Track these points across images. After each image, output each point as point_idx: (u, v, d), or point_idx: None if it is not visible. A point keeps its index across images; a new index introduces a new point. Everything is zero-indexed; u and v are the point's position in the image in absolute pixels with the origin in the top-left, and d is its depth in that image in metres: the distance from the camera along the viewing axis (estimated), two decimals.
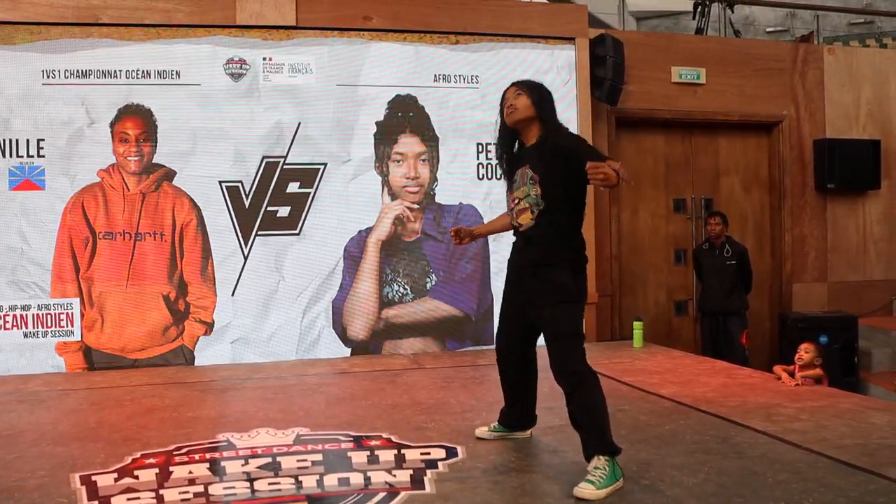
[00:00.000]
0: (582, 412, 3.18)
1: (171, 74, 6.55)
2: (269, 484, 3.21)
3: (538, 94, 3.52)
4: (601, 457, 3.03)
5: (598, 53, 7.19)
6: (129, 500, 3.06)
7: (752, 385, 5.11)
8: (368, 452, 3.60)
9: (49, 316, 6.31)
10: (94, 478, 3.31)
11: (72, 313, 6.32)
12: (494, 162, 6.90)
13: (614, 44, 7.18)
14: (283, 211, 6.64)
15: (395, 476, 3.27)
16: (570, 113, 7.10)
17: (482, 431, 3.88)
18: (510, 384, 3.76)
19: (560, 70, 7.16)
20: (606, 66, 7.11)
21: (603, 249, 7.45)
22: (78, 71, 6.41)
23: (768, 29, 14.19)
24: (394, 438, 3.85)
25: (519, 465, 3.38)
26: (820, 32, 9.98)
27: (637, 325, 6.95)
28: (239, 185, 6.58)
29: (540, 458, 3.51)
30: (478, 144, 6.94)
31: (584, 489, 2.92)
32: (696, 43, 8.16)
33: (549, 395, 4.87)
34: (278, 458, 3.56)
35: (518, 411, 3.82)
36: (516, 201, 3.47)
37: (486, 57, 7.03)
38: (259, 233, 6.61)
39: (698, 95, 7.85)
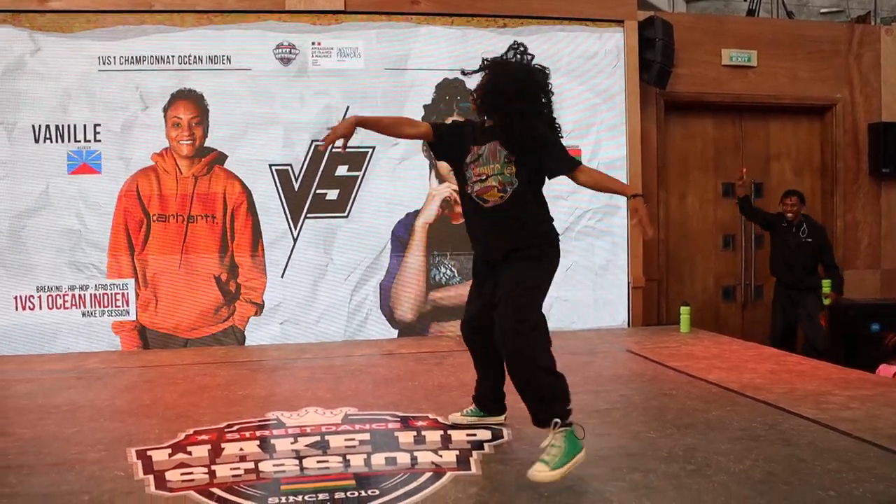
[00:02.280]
0: (532, 371, 3.06)
1: (222, 60, 6.65)
2: (318, 462, 3.27)
3: (498, 97, 3.33)
4: (555, 432, 2.94)
5: (647, 36, 7.11)
6: (182, 474, 3.14)
7: (801, 372, 5.05)
8: (415, 433, 3.64)
9: (105, 296, 6.48)
10: (149, 452, 3.41)
11: (127, 293, 6.48)
12: None
13: (664, 26, 7.09)
14: (332, 194, 6.71)
15: (441, 456, 3.30)
16: (619, 97, 7.07)
17: (455, 416, 3.82)
18: (479, 357, 3.66)
19: (608, 53, 7.11)
20: (655, 48, 7.03)
21: None
22: (132, 57, 6.55)
23: (822, 10, 13.84)
24: (440, 419, 3.88)
25: None
26: (877, 13, 9.70)
27: (684, 310, 6.90)
28: (288, 168, 6.67)
29: (585, 442, 3.48)
30: None
31: (538, 471, 2.85)
32: (748, 25, 8.01)
33: (594, 378, 4.91)
34: (326, 437, 3.62)
35: (490, 388, 3.70)
36: (482, 177, 3.30)
37: (533, 40, 6.98)
38: (308, 215, 6.70)
39: (749, 78, 7.71)
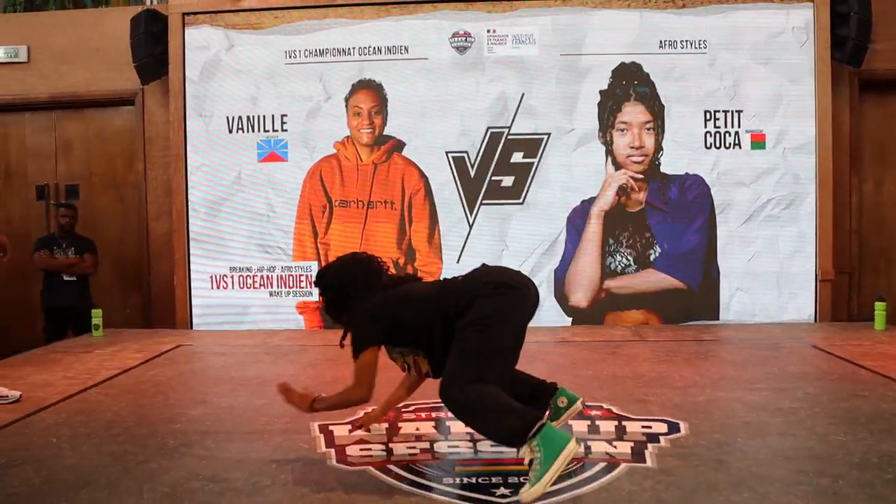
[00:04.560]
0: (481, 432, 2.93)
1: (400, 50, 6.84)
2: (492, 446, 3.29)
3: (330, 300, 3.35)
4: (525, 447, 2.64)
5: (839, 10, 6.65)
6: (361, 450, 3.28)
7: None
8: (589, 422, 3.60)
9: (291, 277, 6.85)
10: (331, 427, 3.57)
11: (311, 275, 6.80)
12: (723, 130, 6.67)
13: None
14: (507, 181, 6.76)
15: (615, 447, 3.26)
16: (807, 76, 6.67)
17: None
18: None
19: (796, 31, 6.71)
20: (850, 23, 6.57)
21: (841, 223, 6.94)
22: (316, 50, 6.87)
23: None
24: (615, 410, 3.83)
25: (745, 446, 3.26)
26: None
27: (879, 305, 6.43)
28: (465, 155, 6.78)
29: (767, 441, 3.36)
30: (705, 112, 6.69)
31: (522, 492, 2.62)
32: None
33: (777, 375, 4.69)
34: None
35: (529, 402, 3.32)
36: (407, 366, 3.29)
37: (714, 20, 6.73)
38: (484, 202, 6.79)
39: None
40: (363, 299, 3.17)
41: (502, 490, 2.77)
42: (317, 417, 3.73)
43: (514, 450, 2.72)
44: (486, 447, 3.28)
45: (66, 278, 6.73)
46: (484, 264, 3.39)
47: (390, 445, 3.33)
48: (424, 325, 3.02)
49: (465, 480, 2.89)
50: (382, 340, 3.09)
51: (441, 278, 3.40)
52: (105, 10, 7.95)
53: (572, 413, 3.29)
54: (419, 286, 3.30)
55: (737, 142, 6.71)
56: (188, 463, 3.13)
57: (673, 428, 3.51)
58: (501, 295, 2.95)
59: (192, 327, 6.91)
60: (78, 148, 7.65)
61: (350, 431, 3.51)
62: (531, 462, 2.63)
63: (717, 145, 6.70)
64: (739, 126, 6.72)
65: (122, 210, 7.58)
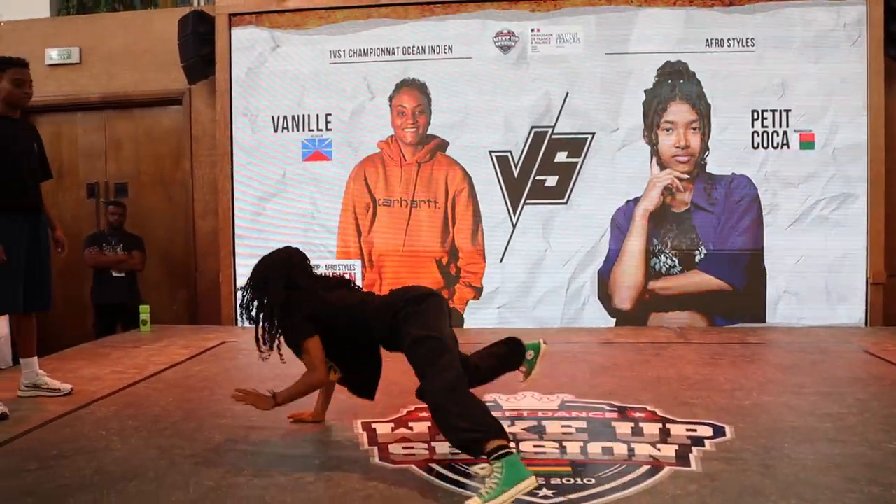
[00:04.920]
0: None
1: (444, 49, 6.85)
2: (534, 446, 3.29)
3: (258, 296, 3.57)
4: (493, 463, 2.65)
5: (894, 6, 6.50)
6: (404, 448, 3.29)
7: None
8: (633, 424, 3.58)
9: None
10: (373, 425, 3.60)
11: (354, 274, 6.85)
12: (771, 130, 6.57)
13: None
14: (551, 180, 6.73)
15: (659, 450, 3.22)
16: (859, 77, 6.53)
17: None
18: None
19: (848, 28, 6.57)
20: None
21: (894, 226, 6.78)
22: (360, 50, 6.92)
23: None
24: (659, 412, 3.79)
25: (792, 452, 3.20)
26: None
27: None
28: (508, 154, 6.77)
29: (816, 447, 3.30)
30: (753, 111, 6.59)
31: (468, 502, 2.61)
32: None
33: (826, 379, 4.61)
34: (543, 422, 3.64)
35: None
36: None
37: (762, 18, 6.62)
38: (527, 201, 6.77)
39: None
40: (298, 295, 3.43)
41: (545, 491, 2.76)
42: (360, 415, 3.76)
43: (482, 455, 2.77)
44: (529, 447, 3.27)
45: (114, 275, 6.88)
46: (398, 288, 3.49)
47: (432, 444, 3.33)
48: (349, 338, 3.33)
49: None
50: (316, 332, 3.31)
51: (364, 291, 3.68)
52: (153, 11, 8.09)
53: (543, 357, 3.65)
54: (347, 296, 3.51)
55: (785, 141, 6.61)
56: (233, 458, 3.18)
57: (718, 432, 3.47)
58: (423, 304, 3.23)
59: (236, 324, 6.98)
60: (127, 147, 7.80)
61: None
62: (486, 478, 2.69)
63: (765, 145, 6.60)
64: (788, 126, 6.61)
65: (170, 208, 7.71)
